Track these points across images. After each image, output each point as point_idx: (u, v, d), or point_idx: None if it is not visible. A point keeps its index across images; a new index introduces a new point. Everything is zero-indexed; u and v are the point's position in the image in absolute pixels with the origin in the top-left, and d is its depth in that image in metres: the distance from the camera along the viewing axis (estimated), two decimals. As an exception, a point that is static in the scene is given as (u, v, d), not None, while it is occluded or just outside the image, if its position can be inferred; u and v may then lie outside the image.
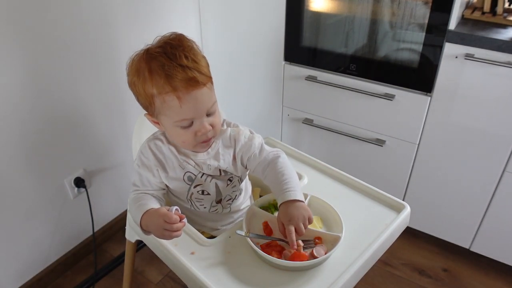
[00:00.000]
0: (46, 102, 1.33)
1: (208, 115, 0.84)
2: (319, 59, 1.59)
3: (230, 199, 0.98)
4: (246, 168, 0.95)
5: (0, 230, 1.33)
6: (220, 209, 0.98)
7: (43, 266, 1.52)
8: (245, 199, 1.03)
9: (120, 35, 1.50)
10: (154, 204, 0.87)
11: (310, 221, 0.82)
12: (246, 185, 1.04)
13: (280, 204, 0.83)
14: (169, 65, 0.78)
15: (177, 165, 0.91)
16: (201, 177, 0.92)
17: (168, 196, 0.98)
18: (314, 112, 1.69)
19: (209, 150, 0.91)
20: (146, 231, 0.84)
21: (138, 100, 0.87)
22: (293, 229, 0.79)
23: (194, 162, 0.91)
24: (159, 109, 0.83)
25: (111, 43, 1.48)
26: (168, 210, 0.78)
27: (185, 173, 0.91)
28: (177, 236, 0.78)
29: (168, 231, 0.77)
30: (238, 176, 0.96)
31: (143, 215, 0.83)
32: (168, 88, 0.78)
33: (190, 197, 0.94)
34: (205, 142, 0.88)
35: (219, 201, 0.96)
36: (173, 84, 0.78)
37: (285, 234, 0.81)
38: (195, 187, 0.93)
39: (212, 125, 0.85)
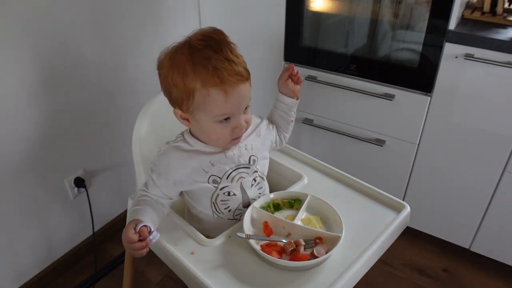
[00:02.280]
0: (46, 102, 1.33)
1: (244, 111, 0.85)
2: (319, 59, 1.59)
3: None
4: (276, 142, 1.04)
5: (0, 230, 1.33)
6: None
7: (43, 266, 1.52)
8: None
9: (120, 36, 1.50)
10: (147, 215, 0.84)
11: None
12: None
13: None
14: (216, 58, 0.77)
15: (201, 169, 0.89)
16: (227, 178, 0.91)
17: (188, 203, 0.97)
18: (314, 112, 1.69)
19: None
20: None
21: (170, 94, 0.84)
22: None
23: (225, 156, 0.90)
24: (199, 104, 0.81)
25: (111, 44, 1.48)
26: (135, 226, 0.77)
27: (210, 176, 0.90)
28: (140, 256, 0.76)
29: (129, 249, 0.76)
30: (262, 176, 0.97)
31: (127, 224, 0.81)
32: (216, 81, 0.77)
33: (215, 199, 0.92)
34: (237, 139, 0.88)
35: (246, 205, 0.93)
36: (222, 77, 0.77)
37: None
38: (221, 189, 0.91)
39: (246, 122, 0.86)
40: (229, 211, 0.94)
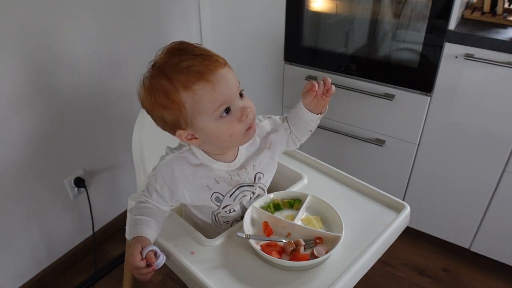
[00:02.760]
0: (46, 102, 1.33)
1: (240, 96, 0.80)
2: (319, 59, 1.59)
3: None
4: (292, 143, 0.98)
5: (0, 230, 1.33)
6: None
7: (43, 266, 1.52)
8: None
9: (121, 37, 1.50)
10: (151, 227, 0.84)
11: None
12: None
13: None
14: (185, 59, 0.75)
15: (205, 185, 0.87)
16: (230, 197, 0.89)
17: (187, 211, 0.96)
18: (314, 112, 1.69)
19: (238, 156, 0.89)
20: None
21: (164, 120, 0.80)
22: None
23: (231, 177, 0.87)
24: (192, 110, 0.76)
25: (112, 45, 1.48)
26: (142, 250, 0.76)
27: (213, 193, 0.87)
28: (145, 280, 0.77)
29: (135, 274, 0.76)
30: (263, 187, 0.94)
31: (132, 238, 0.81)
32: (195, 77, 0.74)
33: (216, 215, 0.91)
34: (251, 128, 0.81)
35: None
36: (198, 70, 0.74)
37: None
38: (223, 207, 0.90)
39: (249, 107, 0.80)
40: (228, 223, 0.94)
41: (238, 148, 0.90)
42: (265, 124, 0.95)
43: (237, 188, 0.89)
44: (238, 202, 0.91)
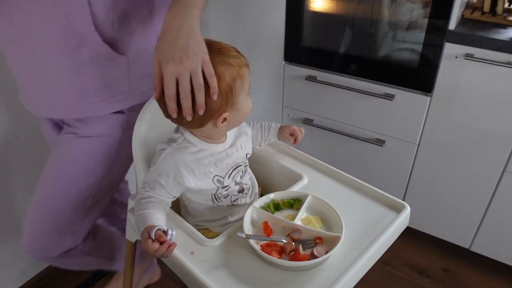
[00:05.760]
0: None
1: None
2: (319, 59, 1.59)
3: (247, 188, 1.00)
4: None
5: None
6: (240, 199, 0.99)
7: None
8: (253, 191, 1.05)
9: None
10: (157, 216, 0.85)
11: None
12: (252, 179, 1.05)
13: None
14: (223, 56, 0.83)
15: (208, 171, 0.91)
16: (228, 177, 0.94)
17: (184, 199, 0.98)
18: (314, 112, 1.69)
19: (228, 137, 0.96)
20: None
21: (208, 109, 0.84)
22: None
23: (227, 155, 0.94)
24: (239, 90, 0.85)
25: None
26: (150, 235, 0.78)
27: (214, 176, 0.92)
28: (169, 254, 0.79)
29: (157, 256, 0.78)
30: (247, 164, 1.02)
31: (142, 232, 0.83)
32: (241, 62, 0.84)
33: (217, 193, 0.96)
34: None
35: (241, 191, 0.98)
36: (232, 62, 0.83)
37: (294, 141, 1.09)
38: (223, 187, 0.94)
39: None
40: (227, 198, 0.98)
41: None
42: None
43: (234, 169, 0.95)
44: (233, 180, 0.96)
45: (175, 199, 0.93)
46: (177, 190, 0.90)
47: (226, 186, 0.95)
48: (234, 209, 1.00)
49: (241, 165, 0.97)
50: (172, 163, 0.88)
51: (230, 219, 1.00)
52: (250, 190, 1.02)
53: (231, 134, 0.98)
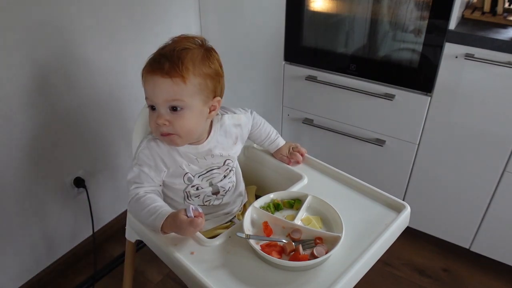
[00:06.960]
0: (46, 102, 1.33)
1: (173, 109, 0.87)
2: (319, 59, 1.59)
3: (224, 191, 1.02)
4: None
5: (0, 230, 1.33)
6: (213, 200, 1.01)
7: (43, 266, 1.52)
8: (235, 192, 1.07)
9: (120, 38, 1.50)
10: (165, 208, 0.88)
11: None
12: (238, 180, 1.07)
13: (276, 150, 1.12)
14: (158, 51, 0.90)
15: (179, 166, 0.95)
16: (199, 177, 0.97)
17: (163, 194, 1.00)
18: (314, 112, 1.69)
19: (208, 140, 0.97)
20: (166, 233, 0.87)
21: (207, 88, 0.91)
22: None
23: (196, 158, 0.95)
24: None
25: (110, 46, 1.47)
26: (186, 211, 0.82)
27: (185, 174, 0.95)
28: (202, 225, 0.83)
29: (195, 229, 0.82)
30: (234, 168, 1.03)
31: (164, 221, 0.84)
32: (147, 68, 0.89)
33: (188, 192, 0.99)
34: (163, 136, 0.90)
35: (215, 193, 1.01)
36: (149, 63, 0.89)
37: (289, 161, 1.10)
38: (192, 186, 0.97)
39: (170, 123, 0.88)
40: (198, 198, 1.00)
41: (210, 133, 0.98)
42: (240, 117, 1.05)
43: (208, 171, 0.98)
44: (207, 181, 0.98)
45: (161, 187, 0.96)
46: (158, 179, 0.94)
47: (196, 185, 0.97)
48: (210, 208, 1.02)
49: (215, 169, 0.99)
50: (147, 153, 0.92)
51: (210, 217, 1.03)
52: (230, 192, 1.04)
53: (215, 137, 0.98)
